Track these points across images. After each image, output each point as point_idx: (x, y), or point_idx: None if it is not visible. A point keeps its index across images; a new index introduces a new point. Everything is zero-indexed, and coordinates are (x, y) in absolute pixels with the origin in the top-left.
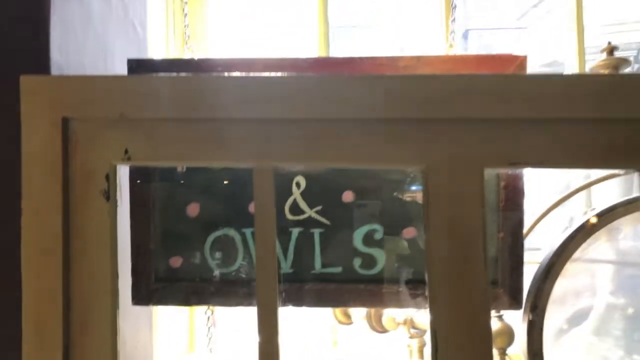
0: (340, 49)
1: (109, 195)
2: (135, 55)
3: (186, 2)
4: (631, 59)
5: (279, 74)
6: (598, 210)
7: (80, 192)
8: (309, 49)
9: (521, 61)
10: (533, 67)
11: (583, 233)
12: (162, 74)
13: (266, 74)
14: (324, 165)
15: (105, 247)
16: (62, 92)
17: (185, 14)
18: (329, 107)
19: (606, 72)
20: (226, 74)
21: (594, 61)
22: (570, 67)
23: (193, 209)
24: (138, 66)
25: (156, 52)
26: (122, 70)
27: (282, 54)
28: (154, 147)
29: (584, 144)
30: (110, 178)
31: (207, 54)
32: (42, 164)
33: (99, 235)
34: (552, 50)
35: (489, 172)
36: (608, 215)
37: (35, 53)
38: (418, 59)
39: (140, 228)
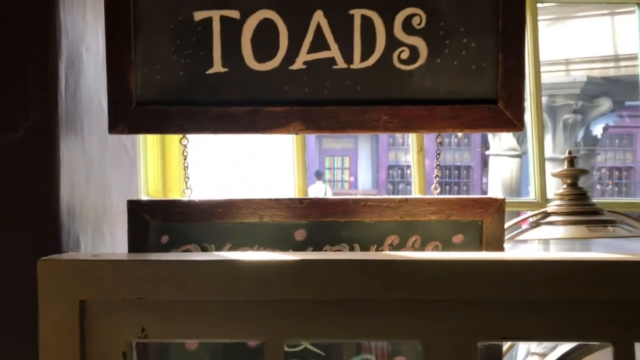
0: None
1: None
2: (128, 175)
3: (185, 145)
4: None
5: (278, 256)
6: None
7: None
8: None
9: (500, 203)
10: None
11: None
12: (173, 256)
13: (268, 255)
14: (329, 340)
15: None
16: (78, 275)
17: (185, 156)
18: (333, 289)
19: (568, 181)
20: (242, 257)
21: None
22: None
23: (191, 343)
24: (137, 207)
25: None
26: (120, 203)
27: (275, 194)
28: (170, 325)
29: (566, 321)
30: (127, 356)
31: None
32: (59, 345)
33: None
34: None
35: None
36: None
37: (45, 215)
38: (406, 200)
39: None
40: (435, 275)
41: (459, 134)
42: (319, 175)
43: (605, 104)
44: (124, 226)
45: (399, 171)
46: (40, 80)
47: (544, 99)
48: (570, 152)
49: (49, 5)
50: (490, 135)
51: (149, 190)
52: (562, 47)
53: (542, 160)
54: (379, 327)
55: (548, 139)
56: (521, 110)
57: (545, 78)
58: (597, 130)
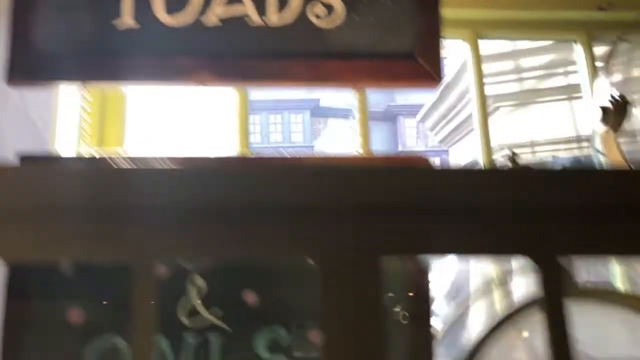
0: None
1: None
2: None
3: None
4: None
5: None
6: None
7: None
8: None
9: (428, 163)
10: None
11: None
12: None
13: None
14: (209, 256)
15: None
16: None
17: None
18: (215, 194)
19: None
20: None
21: None
22: None
23: (75, 315)
24: (30, 162)
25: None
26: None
27: (207, 152)
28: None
29: (476, 234)
30: None
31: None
32: None
33: None
34: None
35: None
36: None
37: None
38: (332, 159)
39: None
40: (324, 182)
41: None
42: None
43: None
44: None
45: None
46: None
47: None
48: (512, 152)
49: None
50: None
51: None
52: (526, 131)
53: None
54: (267, 241)
55: None
56: (439, 64)
57: None
58: None
